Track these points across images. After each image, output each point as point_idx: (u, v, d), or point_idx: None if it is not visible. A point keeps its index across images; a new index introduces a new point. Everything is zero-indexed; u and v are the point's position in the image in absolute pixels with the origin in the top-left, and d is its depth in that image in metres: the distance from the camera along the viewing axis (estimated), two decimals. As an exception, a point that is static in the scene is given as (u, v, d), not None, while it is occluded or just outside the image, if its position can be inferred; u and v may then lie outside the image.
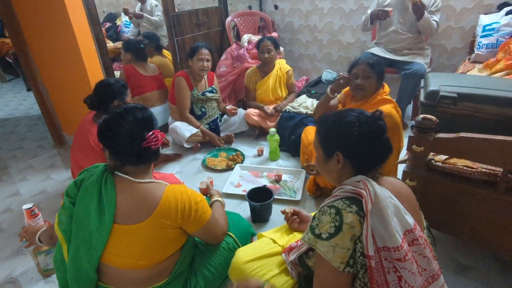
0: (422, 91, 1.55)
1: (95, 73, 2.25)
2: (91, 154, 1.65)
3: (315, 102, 2.62)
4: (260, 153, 2.46)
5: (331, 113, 1.01)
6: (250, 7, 3.61)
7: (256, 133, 2.73)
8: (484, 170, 1.13)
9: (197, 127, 2.50)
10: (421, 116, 1.15)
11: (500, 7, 2.53)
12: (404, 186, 0.96)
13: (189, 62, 2.48)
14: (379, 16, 2.55)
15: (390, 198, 0.83)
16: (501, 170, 1.09)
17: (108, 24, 4.41)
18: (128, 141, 1.02)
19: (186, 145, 2.47)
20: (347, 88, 1.87)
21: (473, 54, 2.50)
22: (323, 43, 3.59)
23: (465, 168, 1.15)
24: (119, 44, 3.85)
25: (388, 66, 2.64)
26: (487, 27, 2.44)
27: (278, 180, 2.10)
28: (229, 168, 2.28)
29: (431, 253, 0.83)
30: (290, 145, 2.42)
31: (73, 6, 2.04)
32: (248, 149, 2.55)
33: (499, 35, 2.35)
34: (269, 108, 2.64)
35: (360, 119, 0.92)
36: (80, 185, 1.08)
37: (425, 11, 2.38)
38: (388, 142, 0.92)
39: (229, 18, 3.24)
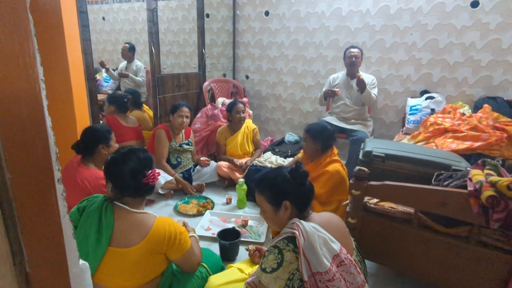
0: (361, 151, 1.98)
1: (82, 121, 2.47)
2: (80, 191, 1.81)
3: (279, 158, 3.01)
4: (228, 202, 2.70)
5: (262, 178, 1.26)
6: (224, 75, 4.15)
7: (226, 183, 2.99)
8: (402, 210, 1.50)
9: (172, 175, 2.72)
10: (358, 168, 1.54)
11: (422, 93, 3.24)
12: (334, 216, 1.25)
13: (170, 117, 2.81)
14: (329, 95, 3.17)
15: (317, 232, 1.07)
16: (413, 210, 1.46)
17: (89, 78, 4.71)
18: (131, 176, 1.26)
19: (160, 191, 2.66)
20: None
21: (404, 127, 3.10)
22: (286, 110, 4.15)
23: (389, 208, 1.51)
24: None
25: (340, 132, 3.17)
26: (413, 108, 3.09)
27: (244, 225, 2.33)
28: (200, 214, 2.48)
29: (356, 270, 1.10)
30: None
31: (73, 62, 2.33)
32: (217, 198, 2.78)
33: (422, 114, 2.99)
34: (239, 161, 2.97)
35: (289, 172, 1.23)
36: (82, 211, 1.27)
37: (366, 86, 3.02)
38: (310, 183, 1.24)
39: (206, 83, 3.71)
